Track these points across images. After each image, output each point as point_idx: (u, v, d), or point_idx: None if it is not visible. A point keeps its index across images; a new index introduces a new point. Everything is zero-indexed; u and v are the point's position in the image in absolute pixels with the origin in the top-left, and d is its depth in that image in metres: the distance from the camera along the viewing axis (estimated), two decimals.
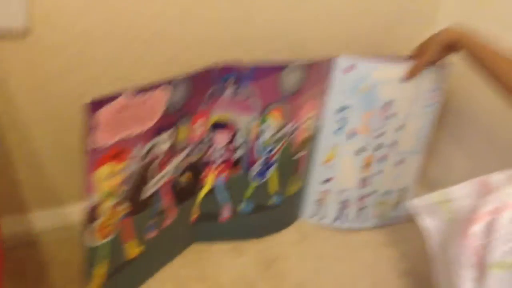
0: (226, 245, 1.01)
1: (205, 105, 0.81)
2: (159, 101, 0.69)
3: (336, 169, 1.07)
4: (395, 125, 1.05)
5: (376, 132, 1.06)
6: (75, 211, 0.79)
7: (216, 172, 0.93)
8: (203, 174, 0.92)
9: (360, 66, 0.98)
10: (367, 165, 1.08)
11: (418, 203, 0.85)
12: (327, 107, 1.01)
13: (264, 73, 0.85)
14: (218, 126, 0.88)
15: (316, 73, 0.94)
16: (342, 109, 1.02)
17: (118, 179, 0.69)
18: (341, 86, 0.99)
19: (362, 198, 1.12)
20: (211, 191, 0.95)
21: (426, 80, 1.03)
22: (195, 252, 0.97)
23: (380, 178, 1.10)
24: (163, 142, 0.75)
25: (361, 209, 1.14)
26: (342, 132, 1.04)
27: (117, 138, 0.65)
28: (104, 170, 0.64)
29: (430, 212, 0.84)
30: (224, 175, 0.94)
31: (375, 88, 0.97)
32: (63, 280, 0.79)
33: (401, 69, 1.01)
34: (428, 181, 1.22)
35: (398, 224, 1.18)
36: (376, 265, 1.03)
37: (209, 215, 0.98)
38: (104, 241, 0.72)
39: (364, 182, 1.11)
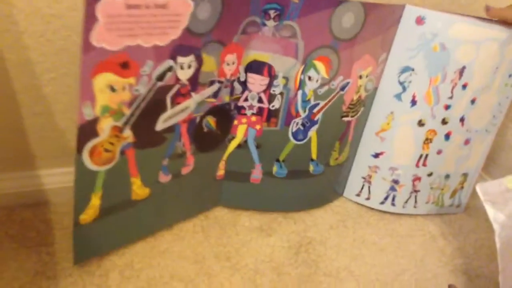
0: (253, 221, 0.91)
1: (240, 37, 0.71)
2: (180, 13, 0.60)
3: (390, 142, 0.94)
4: (467, 97, 0.90)
5: (443, 103, 0.91)
6: None
7: (248, 123, 0.82)
8: (234, 123, 0.81)
9: (433, 20, 0.83)
10: (428, 141, 0.94)
11: (488, 188, 0.69)
12: (387, 65, 0.88)
13: (313, 8, 0.73)
14: (253, 67, 0.77)
15: (378, 19, 0.80)
16: (406, 69, 0.88)
17: (122, 96, 0.61)
18: (408, 42, 0.85)
19: (416, 179, 0.99)
20: (241, 145, 0.85)
21: None
22: (218, 226, 0.88)
23: (440, 158, 0.96)
24: (183, 68, 0.66)
25: (413, 192, 1.00)
26: (402, 98, 0.90)
27: (124, 43, 0.56)
28: (106, 78, 0.57)
29: (501, 201, 0.67)
30: (257, 127, 0.83)
31: (449, 49, 0.83)
32: (68, 243, 0.72)
33: (484, 29, 0.84)
34: (495, 168, 1.04)
35: (455, 215, 1.03)
36: (424, 259, 0.90)
37: (238, 173, 0.88)
38: (100, 168, 0.65)
39: (421, 161, 0.97)
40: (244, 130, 0.83)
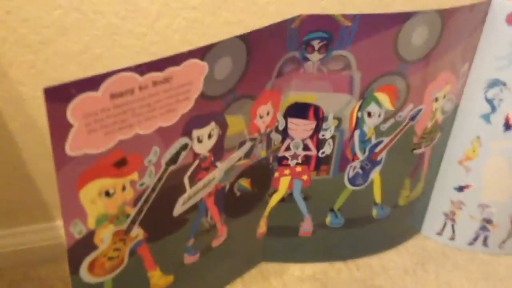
0: (305, 269, 0.82)
1: (274, 82, 0.61)
2: (190, 81, 0.50)
3: (478, 173, 0.82)
4: None
5: None
6: None
7: (292, 174, 0.74)
8: (274, 176, 0.73)
9: None
10: None
11: None
12: (470, 78, 0.75)
13: (372, 29, 0.62)
14: (295, 111, 0.67)
15: (458, 26, 0.67)
16: (495, 83, 0.74)
17: (123, 197, 0.53)
18: (496, 48, 0.72)
19: None
20: (285, 199, 0.76)
21: None
22: (262, 277, 0.80)
23: None
24: (202, 140, 0.57)
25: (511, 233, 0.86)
26: (491, 120, 0.77)
27: (116, 139, 0.47)
28: (97, 186, 0.49)
29: None
30: (304, 178, 0.74)
31: None
32: None
33: None
34: None
35: None
36: None
37: (284, 228, 0.80)
38: (105, 278, 0.58)
39: None
40: (287, 183, 0.74)
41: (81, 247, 0.51)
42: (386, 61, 0.65)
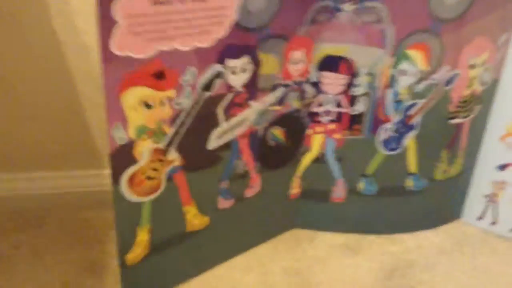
0: (337, 238, 0.85)
1: (307, 28, 0.66)
2: (224, 5, 0.56)
3: None
4: None
5: None
6: None
7: (325, 132, 0.77)
8: (307, 133, 0.77)
9: None
10: None
11: None
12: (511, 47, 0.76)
13: None
14: (328, 64, 0.72)
15: None
16: None
17: (161, 113, 0.58)
18: None
19: None
20: (318, 159, 0.80)
21: None
22: (292, 239, 0.84)
23: None
24: (236, 72, 0.62)
25: None
26: None
27: (156, 48, 0.53)
28: (138, 93, 0.54)
29: None
30: (337, 137, 0.78)
31: None
32: None
33: None
34: None
35: None
36: None
37: (316, 192, 0.83)
38: (144, 199, 0.63)
39: None
40: (320, 141, 0.78)
41: (122, 156, 0.57)
42: (419, 16, 0.69)
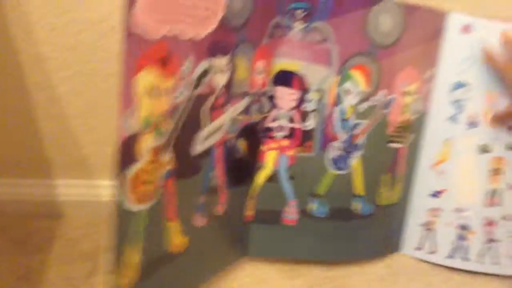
0: (278, 260, 0.84)
1: (268, 40, 0.71)
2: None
3: (451, 175, 0.88)
4: None
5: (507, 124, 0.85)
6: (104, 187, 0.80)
7: (279, 148, 0.79)
8: (262, 148, 0.78)
9: (482, 28, 0.83)
10: (496, 172, 0.88)
11: None
12: (436, 84, 0.86)
13: (346, 6, 0.74)
14: (281, 78, 0.75)
15: (419, 24, 0.80)
16: (459, 85, 0.85)
17: (162, 104, 0.54)
18: (456, 53, 0.84)
19: (489, 224, 0.91)
20: (272, 177, 0.80)
21: None
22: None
23: None
24: (220, 71, 0.63)
25: (489, 242, 0.91)
26: (459, 119, 0.87)
27: (165, 29, 0.53)
28: (149, 77, 0.51)
29: None
30: (290, 153, 0.80)
31: None
32: (64, 254, 0.80)
33: None
34: None
35: None
36: None
37: (268, 213, 0.82)
38: (141, 207, 0.57)
39: (492, 198, 0.89)
40: (274, 158, 0.79)
41: (127, 150, 0.53)
42: (359, 39, 0.76)
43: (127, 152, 0.51)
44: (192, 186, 0.65)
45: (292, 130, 0.78)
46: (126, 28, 0.48)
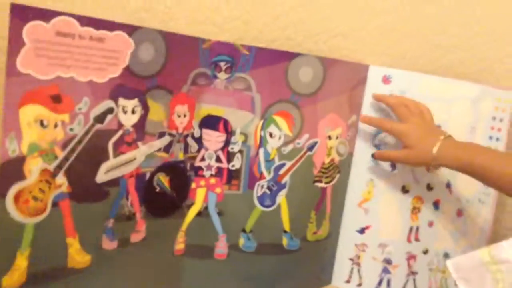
0: None
1: (190, 88, 0.77)
2: (119, 50, 0.65)
3: (375, 213, 0.94)
4: None
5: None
6: None
7: (207, 186, 0.84)
8: (192, 186, 0.83)
9: (400, 78, 0.91)
10: (415, 210, 0.94)
11: (460, 263, 0.68)
12: (360, 128, 0.93)
13: (266, 60, 0.80)
14: (208, 122, 0.81)
15: (340, 76, 0.88)
16: (380, 131, 0.92)
17: (54, 134, 0.62)
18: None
19: (411, 258, 0.96)
20: (201, 213, 0.85)
21: (489, 103, 0.93)
22: None
23: (433, 231, 0.96)
24: (127, 112, 0.70)
25: (410, 274, 0.97)
26: (380, 162, 0.93)
27: (55, 73, 0.61)
28: (35, 111, 0.59)
29: (475, 277, 0.66)
30: (217, 191, 0.84)
31: None
32: None
33: (454, 86, 0.93)
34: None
35: None
36: None
37: (200, 247, 0.86)
38: (28, 220, 0.64)
39: (412, 234, 0.96)
40: (203, 195, 0.84)
41: (12, 169, 0.60)
42: (280, 89, 0.83)
43: (11, 171, 0.58)
44: (97, 210, 0.68)
45: (220, 169, 0.83)
46: (9, 68, 0.55)
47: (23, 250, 0.64)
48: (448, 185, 0.93)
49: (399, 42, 0.94)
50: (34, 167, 0.61)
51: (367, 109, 0.92)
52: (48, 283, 0.69)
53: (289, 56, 0.81)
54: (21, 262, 0.64)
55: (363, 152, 0.93)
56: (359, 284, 0.96)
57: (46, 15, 0.59)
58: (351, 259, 0.96)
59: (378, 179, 0.93)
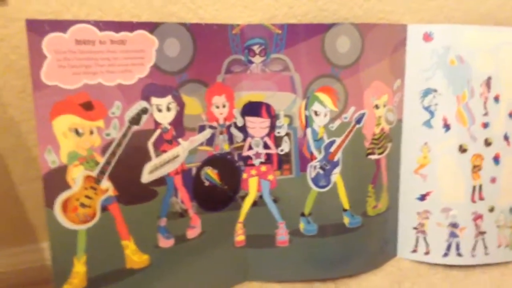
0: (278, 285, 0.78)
1: (225, 77, 0.68)
2: (143, 49, 0.58)
3: (434, 178, 0.82)
4: (503, 111, 0.81)
5: (479, 121, 0.81)
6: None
7: (259, 174, 0.75)
8: (242, 176, 0.74)
9: (441, 33, 0.78)
10: (476, 168, 0.82)
11: None
12: (406, 92, 0.81)
13: (299, 36, 0.70)
14: (250, 109, 0.72)
15: (379, 41, 0.75)
16: (428, 91, 0.80)
17: (92, 141, 0.57)
18: (421, 62, 0.79)
19: (477, 218, 0.84)
20: (257, 202, 0.76)
21: None
22: None
23: (497, 187, 0.83)
24: (162, 110, 0.62)
25: (479, 235, 0.85)
26: (433, 124, 0.81)
27: (82, 81, 0.54)
28: (68, 121, 0.54)
29: None
30: (270, 178, 0.75)
31: (467, 60, 0.78)
32: None
33: (499, 33, 0.80)
34: None
35: None
36: None
37: (261, 237, 0.77)
38: (79, 227, 0.59)
39: (476, 194, 0.83)
40: (256, 184, 0.75)
41: (55, 180, 0.55)
42: (319, 64, 0.72)
43: (54, 182, 0.55)
44: (148, 210, 0.64)
45: (269, 156, 0.74)
46: (35, 82, 0.51)
47: (80, 257, 0.59)
48: (506, 137, 0.80)
49: None
50: (76, 175, 0.57)
51: (411, 71, 0.79)
52: (110, 286, 0.63)
53: (323, 27, 0.70)
54: (80, 268, 0.59)
55: (413, 116, 0.81)
56: (427, 252, 0.85)
57: (62, 25, 0.52)
58: (415, 228, 0.85)
59: (433, 142, 0.81)
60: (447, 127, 0.80)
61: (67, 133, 0.55)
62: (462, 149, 0.81)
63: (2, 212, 0.74)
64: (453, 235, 0.83)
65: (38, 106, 0.53)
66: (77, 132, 0.56)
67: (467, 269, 0.85)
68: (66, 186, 0.57)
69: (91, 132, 0.57)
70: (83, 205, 0.58)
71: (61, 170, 0.56)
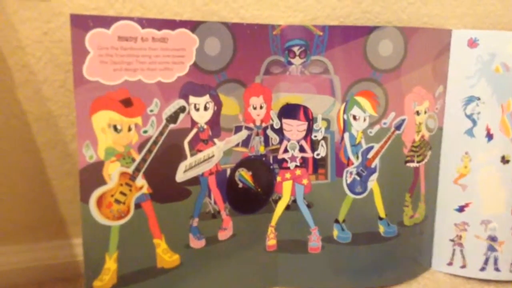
0: None
1: (263, 78, 0.66)
2: (183, 48, 0.57)
3: (474, 189, 0.79)
4: None
5: None
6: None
7: (293, 178, 0.73)
8: (277, 179, 0.72)
9: (487, 40, 0.75)
10: None
11: None
12: (448, 99, 0.78)
13: (341, 38, 0.68)
14: (287, 111, 0.70)
15: (423, 45, 0.72)
16: (471, 99, 0.77)
17: (129, 138, 0.57)
18: (465, 68, 0.76)
19: None
20: (290, 206, 0.74)
21: None
22: None
23: None
24: (199, 109, 0.61)
25: None
26: (475, 133, 0.78)
27: (123, 78, 0.53)
28: (107, 116, 0.54)
29: None
30: (304, 182, 0.73)
31: None
32: None
33: None
34: None
35: None
36: None
37: (293, 242, 0.75)
38: (113, 223, 0.58)
39: None
40: (290, 187, 0.73)
41: (91, 175, 0.54)
42: (359, 67, 0.69)
43: (90, 176, 0.54)
44: (181, 210, 0.63)
45: (304, 160, 0.72)
46: (76, 77, 0.50)
47: (111, 253, 0.58)
48: None
49: (480, 1, 0.76)
50: (113, 171, 0.56)
51: (454, 78, 0.76)
52: (139, 284, 0.62)
53: (366, 30, 0.68)
54: (111, 265, 0.59)
55: (454, 124, 0.77)
56: (463, 266, 0.81)
57: (106, 21, 0.52)
58: (452, 240, 0.82)
59: (474, 152, 0.77)
60: (490, 136, 0.76)
61: (105, 129, 0.55)
62: (505, 160, 0.77)
63: (35, 207, 0.74)
64: (491, 248, 0.79)
65: (78, 101, 0.52)
66: (115, 128, 0.56)
67: (505, 285, 0.80)
68: (102, 182, 0.56)
69: (129, 129, 0.57)
70: (117, 201, 0.57)
71: (98, 166, 0.55)
